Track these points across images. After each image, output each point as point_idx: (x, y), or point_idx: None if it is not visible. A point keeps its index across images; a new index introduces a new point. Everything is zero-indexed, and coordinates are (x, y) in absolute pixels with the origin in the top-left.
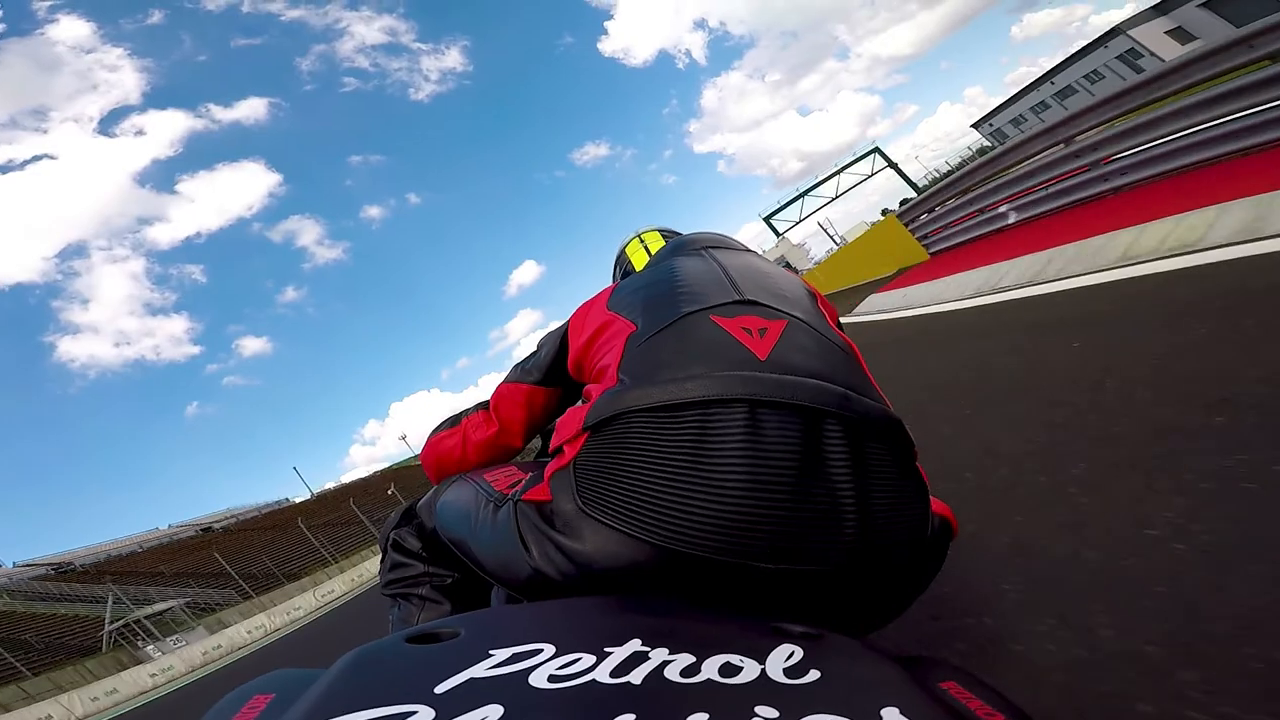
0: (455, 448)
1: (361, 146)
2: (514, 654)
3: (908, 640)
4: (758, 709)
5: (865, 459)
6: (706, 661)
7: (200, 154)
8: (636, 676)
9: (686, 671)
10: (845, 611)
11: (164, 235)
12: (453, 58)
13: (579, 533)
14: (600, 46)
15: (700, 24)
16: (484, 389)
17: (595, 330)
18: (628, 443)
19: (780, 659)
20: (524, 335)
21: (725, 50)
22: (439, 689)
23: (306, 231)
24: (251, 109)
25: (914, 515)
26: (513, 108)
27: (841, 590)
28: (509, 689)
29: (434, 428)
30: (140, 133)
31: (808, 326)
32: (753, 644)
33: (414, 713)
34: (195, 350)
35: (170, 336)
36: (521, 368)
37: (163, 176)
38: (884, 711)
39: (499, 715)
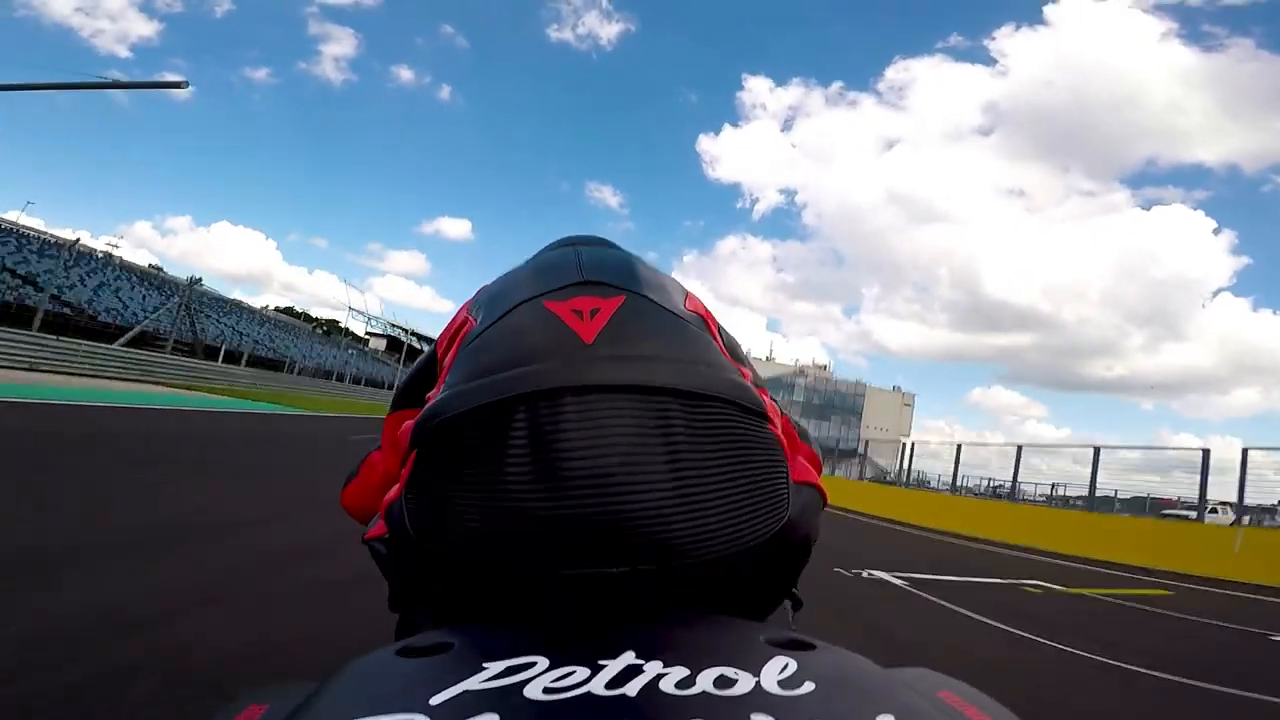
0: (359, 494)
1: (463, 23)
2: (508, 666)
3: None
4: (753, 718)
5: (703, 437)
6: (701, 674)
7: None
8: (632, 689)
9: (682, 684)
10: (725, 601)
11: None
12: (608, 30)
13: (412, 563)
14: (701, 137)
15: (787, 191)
16: (318, 281)
17: (451, 334)
18: (454, 454)
19: (775, 670)
20: (397, 276)
21: (781, 225)
22: (434, 700)
23: (342, 44)
24: None
25: (768, 490)
26: (596, 102)
27: (706, 580)
28: (504, 700)
29: (345, 478)
30: None
31: (647, 300)
32: (747, 656)
33: None
34: None
35: None
36: (396, 394)
37: None
38: None
39: None
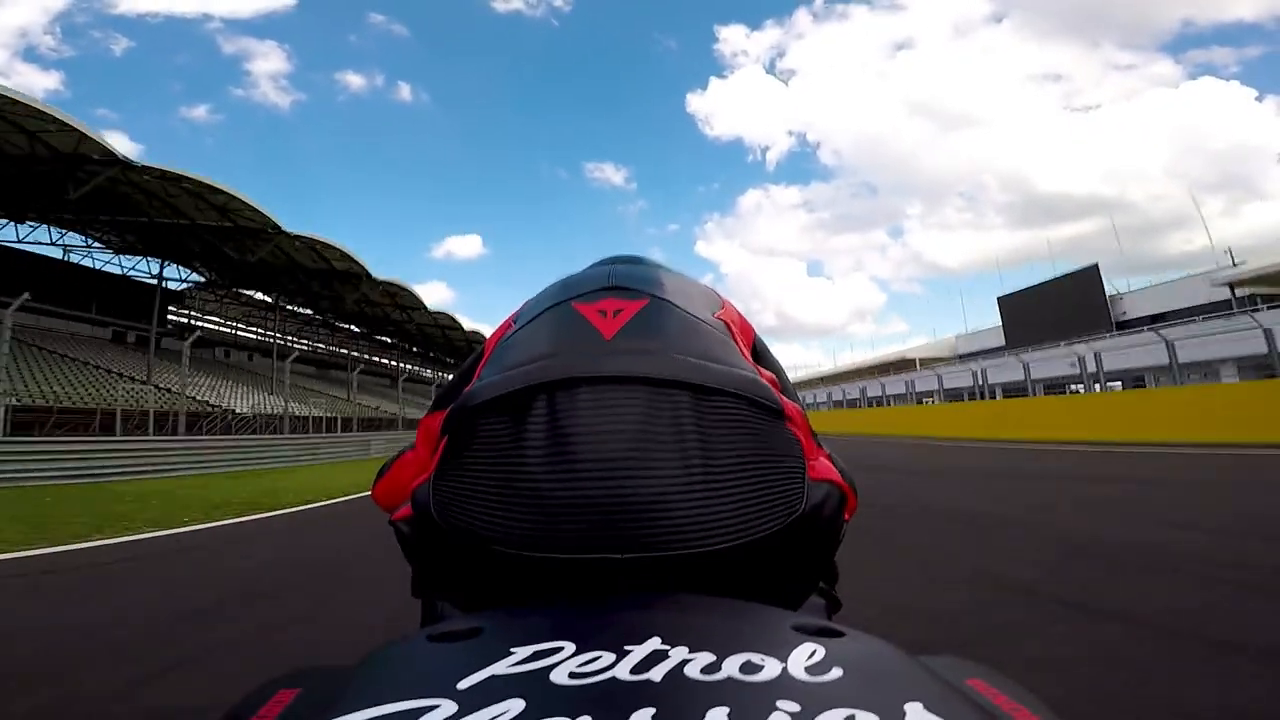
0: (390, 489)
1: (393, 8)
2: (535, 651)
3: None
4: (779, 703)
5: (715, 429)
6: (727, 660)
7: None
8: (657, 674)
9: (707, 669)
10: (745, 593)
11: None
12: None
13: (439, 546)
14: (690, 98)
15: (797, 134)
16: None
17: (494, 338)
18: (477, 441)
19: (802, 657)
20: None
21: (799, 169)
22: (461, 684)
23: (269, 59)
24: None
25: (782, 483)
26: (570, 75)
27: (719, 569)
28: (530, 684)
29: (376, 474)
30: None
31: (669, 305)
32: (774, 642)
33: (436, 706)
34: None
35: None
36: (436, 396)
37: None
38: (907, 707)
39: (520, 709)
